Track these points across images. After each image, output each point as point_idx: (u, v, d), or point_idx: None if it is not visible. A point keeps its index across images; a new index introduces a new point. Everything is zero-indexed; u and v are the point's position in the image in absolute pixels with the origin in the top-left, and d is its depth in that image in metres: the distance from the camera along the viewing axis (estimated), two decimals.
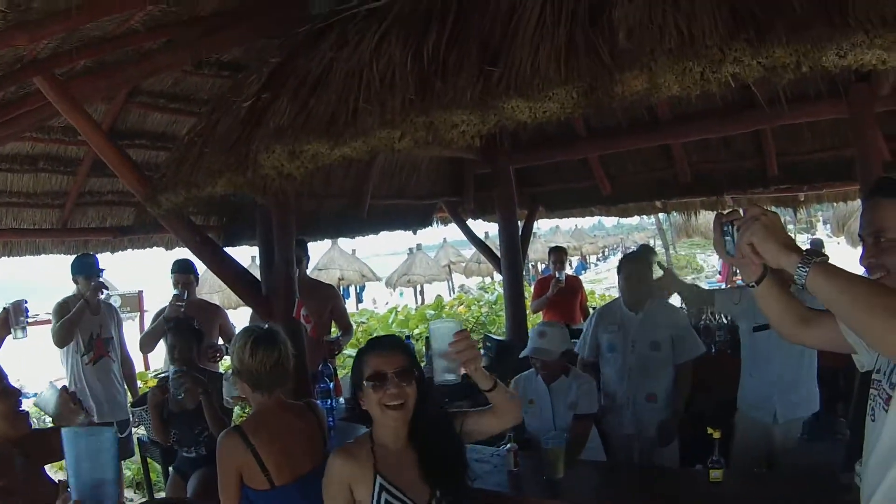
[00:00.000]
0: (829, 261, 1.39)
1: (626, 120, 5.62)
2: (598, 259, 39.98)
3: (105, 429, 1.82)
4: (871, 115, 4.28)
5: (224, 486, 2.57)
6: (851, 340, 1.65)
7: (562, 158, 6.37)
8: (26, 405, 2.50)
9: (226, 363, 5.43)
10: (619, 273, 4.25)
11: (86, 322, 4.84)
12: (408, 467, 2.17)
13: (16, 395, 2.36)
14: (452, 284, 26.35)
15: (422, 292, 23.69)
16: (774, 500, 2.76)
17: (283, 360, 2.71)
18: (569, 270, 9.52)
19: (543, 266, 21.39)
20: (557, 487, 2.99)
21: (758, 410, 3.69)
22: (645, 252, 5.01)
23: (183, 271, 4.87)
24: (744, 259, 1.53)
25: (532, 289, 7.82)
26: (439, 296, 18.02)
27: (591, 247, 37.18)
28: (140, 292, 13.92)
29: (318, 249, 19.05)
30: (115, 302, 6.12)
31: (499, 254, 6.59)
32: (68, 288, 5.01)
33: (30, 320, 3.46)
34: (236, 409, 5.14)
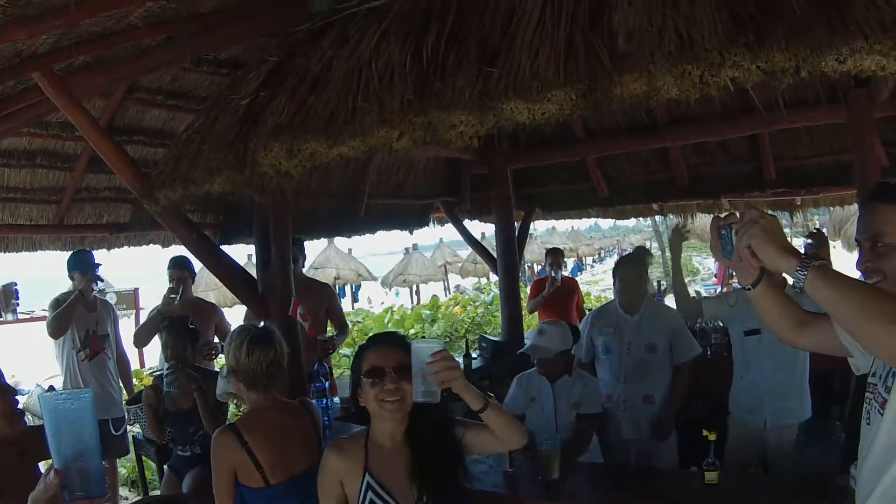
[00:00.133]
0: (829, 265, 1.40)
1: (624, 122, 5.64)
2: (594, 261, 40.06)
3: (83, 391, 1.77)
4: (869, 121, 4.29)
5: (218, 484, 2.56)
6: (847, 344, 1.66)
7: (559, 160, 6.37)
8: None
9: (221, 361, 5.42)
10: (614, 275, 4.26)
11: (82, 319, 4.84)
12: (399, 468, 2.15)
13: (12, 393, 2.35)
14: (448, 285, 26.36)
15: (418, 292, 23.71)
16: (770, 502, 2.77)
17: (278, 359, 2.70)
18: (565, 272, 9.52)
19: (539, 267, 21.43)
20: (553, 488, 2.99)
21: (749, 415, 3.69)
22: (641, 254, 5.02)
23: (179, 267, 4.86)
24: (741, 262, 1.54)
25: (528, 289, 7.83)
26: (435, 296, 18.03)
27: (588, 248, 37.26)
28: (136, 289, 13.91)
29: (314, 248, 19.06)
30: (111, 299, 6.11)
31: (495, 254, 6.60)
32: (64, 284, 5.00)
33: (26, 316, 3.46)
34: (231, 408, 5.14)
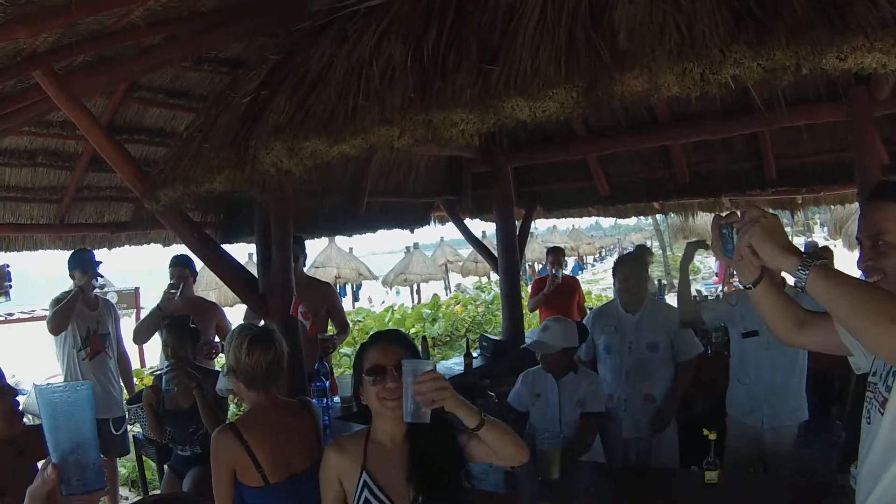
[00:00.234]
0: (830, 264, 1.40)
1: (625, 120, 5.64)
2: (595, 259, 40.02)
3: (80, 383, 1.75)
4: (870, 119, 4.29)
5: (218, 483, 2.56)
6: (848, 343, 1.65)
7: (560, 158, 6.38)
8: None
9: (221, 360, 5.42)
10: (615, 274, 4.25)
11: (83, 317, 4.84)
12: (397, 468, 2.14)
13: (12, 394, 2.35)
14: (449, 283, 26.37)
15: (418, 291, 23.72)
16: (770, 501, 2.76)
17: (278, 359, 2.70)
18: (566, 271, 9.53)
19: (540, 266, 21.43)
20: (553, 488, 2.99)
21: (747, 416, 3.68)
22: (641, 253, 5.02)
23: (181, 266, 4.86)
24: (742, 261, 1.54)
25: (529, 288, 7.83)
26: (436, 295, 18.06)
27: (589, 247, 37.22)
28: (137, 289, 13.91)
29: (315, 247, 19.06)
30: (112, 298, 6.12)
31: (496, 253, 6.59)
32: (65, 283, 5.00)
33: (26, 316, 3.48)
34: (232, 407, 5.14)
